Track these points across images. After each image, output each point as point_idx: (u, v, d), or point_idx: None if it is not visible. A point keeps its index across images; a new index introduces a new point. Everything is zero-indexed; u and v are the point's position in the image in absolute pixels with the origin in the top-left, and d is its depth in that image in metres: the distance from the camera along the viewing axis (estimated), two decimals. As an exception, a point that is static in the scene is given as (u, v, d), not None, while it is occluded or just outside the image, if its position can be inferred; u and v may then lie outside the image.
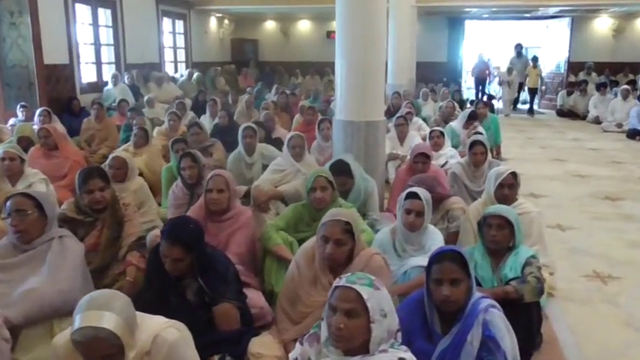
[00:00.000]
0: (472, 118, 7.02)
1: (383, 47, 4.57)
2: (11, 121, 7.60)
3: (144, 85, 11.15)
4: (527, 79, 14.16)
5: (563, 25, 14.82)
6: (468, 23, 16.92)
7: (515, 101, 15.04)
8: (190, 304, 2.53)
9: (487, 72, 15.13)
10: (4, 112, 7.86)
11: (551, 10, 14.22)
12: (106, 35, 10.60)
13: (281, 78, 16.53)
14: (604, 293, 3.68)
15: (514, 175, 3.47)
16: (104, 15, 10.48)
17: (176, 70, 13.51)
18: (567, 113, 13.31)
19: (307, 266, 2.67)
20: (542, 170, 7.39)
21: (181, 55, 13.93)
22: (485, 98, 13.18)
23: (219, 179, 3.30)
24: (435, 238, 3.11)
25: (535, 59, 14.53)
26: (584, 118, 12.65)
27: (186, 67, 13.78)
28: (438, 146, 5.83)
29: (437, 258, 2.17)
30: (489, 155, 6.97)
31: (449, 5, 13.28)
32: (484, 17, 16.65)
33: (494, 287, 2.73)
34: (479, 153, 4.72)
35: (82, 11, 9.78)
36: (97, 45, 10.19)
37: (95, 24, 10.07)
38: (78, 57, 9.50)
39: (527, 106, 14.41)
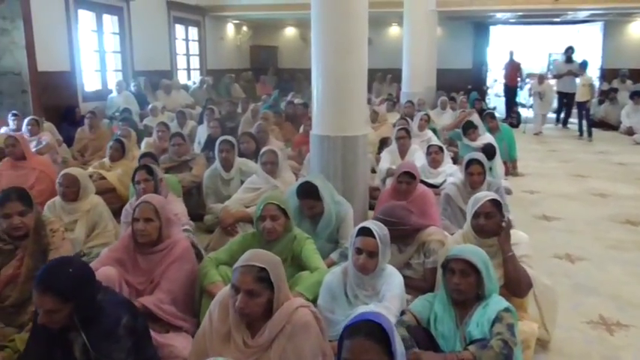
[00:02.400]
0: (470, 127, 6.59)
1: (362, 55, 4.10)
2: (2, 130, 7.38)
3: (152, 93, 10.89)
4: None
5: (595, 29, 14.06)
6: (494, 29, 16.24)
7: (565, 118, 12.56)
8: (77, 362, 2.11)
9: (518, 76, 13.58)
10: (-4, 120, 7.65)
11: (582, 14, 13.45)
12: (113, 42, 10.38)
13: (300, 85, 16.17)
14: (607, 346, 3.10)
15: (494, 202, 2.92)
16: (110, 21, 10.26)
17: (189, 78, 13.25)
18: (598, 124, 12.48)
19: (221, 320, 2.21)
20: (559, 187, 6.75)
21: (195, 62, 13.65)
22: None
23: (147, 207, 2.87)
24: (392, 282, 2.61)
25: (584, 65, 11.56)
26: (616, 128, 11.85)
27: (201, 75, 13.52)
28: (436, 163, 5.30)
29: (349, 331, 1.69)
30: (501, 171, 6.55)
31: (471, 10, 12.61)
32: (511, 22, 15.92)
33: (445, 355, 2.21)
34: (475, 173, 4.19)
35: (86, 18, 9.58)
36: (102, 52, 9.96)
37: (100, 30, 9.84)
38: (80, 64, 9.27)
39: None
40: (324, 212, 3.60)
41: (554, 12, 12.98)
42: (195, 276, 2.97)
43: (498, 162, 6.42)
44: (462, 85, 14.59)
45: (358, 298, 2.62)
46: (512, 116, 12.85)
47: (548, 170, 7.81)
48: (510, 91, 13.56)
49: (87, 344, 2.05)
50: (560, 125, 12.62)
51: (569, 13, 13.13)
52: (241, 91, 13.90)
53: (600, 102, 12.77)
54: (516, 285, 2.75)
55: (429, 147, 5.37)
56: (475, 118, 7.07)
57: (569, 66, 11.71)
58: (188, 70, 13.31)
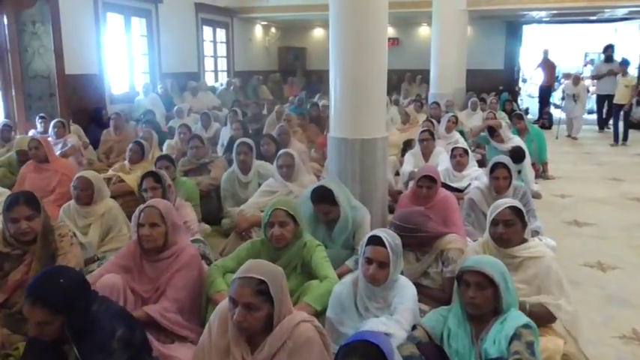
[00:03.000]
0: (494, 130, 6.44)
1: (381, 55, 3.95)
2: (31, 132, 7.48)
3: (178, 95, 10.93)
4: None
5: (634, 27, 13.53)
6: (527, 28, 15.81)
7: (605, 120, 11.81)
8: (73, 374, 2.03)
9: (553, 76, 13.19)
10: (25, 123, 7.75)
11: (620, 12, 12.95)
12: (141, 44, 10.45)
13: (328, 87, 16.03)
14: (641, 364, 2.90)
15: (514, 210, 2.74)
16: (139, 24, 10.34)
17: (217, 80, 13.28)
18: (636, 125, 12.01)
19: (220, 333, 2.11)
20: (592, 192, 6.46)
21: (223, 64, 13.68)
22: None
23: (152, 211, 2.79)
24: (404, 294, 2.46)
25: (626, 64, 10.57)
26: (656, 130, 11.39)
27: (228, 76, 13.54)
28: (461, 166, 5.11)
29: (344, 352, 1.57)
30: (531, 174, 6.29)
31: (503, 9, 12.28)
32: (545, 21, 15.46)
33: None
34: (501, 177, 4.01)
35: (115, 20, 9.67)
36: (130, 54, 10.03)
37: (128, 33, 9.92)
38: (108, 67, 9.36)
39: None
40: (340, 217, 3.48)
41: (590, 10, 12.52)
42: (202, 284, 2.87)
43: (528, 165, 6.19)
44: (493, 86, 14.24)
45: (369, 310, 2.48)
46: (545, 117, 12.47)
47: (581, 173, 7.50)
48: (544, 92, 13.16)
49: (79, 358, 1.97)
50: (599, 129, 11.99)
51: (607, 10, 12.66)
52: (269, 93, 13.87)
53: (639, 102, 12.28)
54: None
55: (453, 149, 5.19)
56: (501, 121, 6.83)
57: (610, 65, 11.07)
58: (216, 71, 13.33)
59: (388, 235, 2.45)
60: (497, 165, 4.00)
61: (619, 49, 14.61)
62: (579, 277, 3.97)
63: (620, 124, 10.21)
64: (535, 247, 2.76)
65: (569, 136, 10.96)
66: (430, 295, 3.10)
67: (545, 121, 12.43)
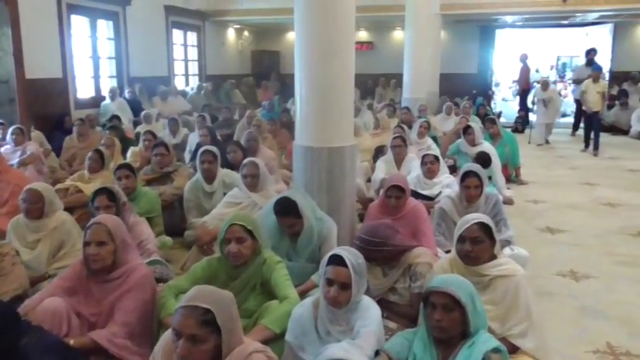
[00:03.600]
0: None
1: (348, 60, 3.79)
2: (-13, 140, 7.17)
3: (147, 100, 10.66)
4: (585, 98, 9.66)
5: (605, 32, 13.67)
6: (500, 32, 15.85)
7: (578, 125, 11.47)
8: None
9: (529, 81, 13.05)
10: (-17, 130, 7.43)
11: (591, 16, 13.06)
12: (108, 48, 10.16)
13: (302, 91, 15.88)
14: (614, 382, 2.78)
15: (482, 226, 2.60)
16: (106, 27, 10.05)
17: (187, 84, 13.03)
18: (608, 128, 12.10)
19: (164, 365, 1.92)
20: (565, 197, 6.40)
21: (194, 68, 13.42)
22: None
23: (99, 229, 2.59)
24: (368, 317, 2.30)
25: (598, 69, 10.24)
26: (627, 133, 11.47)
27: (200, 80, 13.30)
28: (432, 173, 4.98)
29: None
30: (502, 180, 6.19)
31: (476, 13, 12.29)
32: (517, 25, 15.53)
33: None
34: (472, 186, 3.88)
35: (80, 23, 9.37)
36: (96, 58, 9.74)
37: (94, 36, 9.62)
38: (73, 71, 9.07)
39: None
40: (304, 230, 3.32)
41: (562, 14, 12.61)
42: (155, 307, 2.68)
43: (498, 171, 6.13)
44: (467, 89, 14.24)
45: (330, 334, 2.32)
46: (518, 122, 12.48)
47: (554, 178, 7.46)
48: (524, 96, 13.07)
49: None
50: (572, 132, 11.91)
51: (578, 15, 12.75)
52: (242, 97, 13.66)
53: (610, 106, 12.38)
54: None
55: (424, 156, 5.06)
56: (475, 126, 6.74)
57: (591, 70, 10.52)
58: (187, 75, 13.07)
59: (350, 254, 2.29)
60: (468, 174, 3.88)
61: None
62: (552, 287, 3.87)
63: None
64: (505, 264, 2.62)
65: (541, 144, 10.56)
66: (397, 312, 2.96)
67: (518, 125, 12.44)
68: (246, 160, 4.30)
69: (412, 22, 10.09)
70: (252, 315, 2.67)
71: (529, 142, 10.46)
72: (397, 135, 5.89)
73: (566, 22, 14.32)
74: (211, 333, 1.79)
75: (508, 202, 6.04)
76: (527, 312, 2.52)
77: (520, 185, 6.92)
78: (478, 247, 2.56)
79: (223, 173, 4.78)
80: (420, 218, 3.80)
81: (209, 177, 4.70)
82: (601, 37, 13.81)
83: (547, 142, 10.76)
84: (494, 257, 2.65)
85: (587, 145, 9.71)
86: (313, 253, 3.40)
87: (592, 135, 9.63)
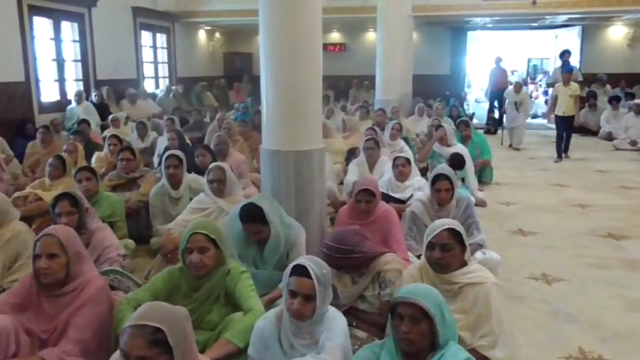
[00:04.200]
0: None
1: (315, 61, 3.69)
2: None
3: (115, 103, 10.42)
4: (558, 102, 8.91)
5: (573, 34, 13.88)
6: (472, 34, 15.99)
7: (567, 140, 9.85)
8: None
9: (506, 81, 12.96)
10: (-60, 137, 7.16)
11: (560, 19, 13.24)
12: (73, 50, 9.89)
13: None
14: (587, 389, 2.73)
15: (452, 232, 2.52)
16: (70, 29, 9.78)
17: (157, 86, 12.79)
18: (578, 129, 12.24)
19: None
20: (537, 198, 6.41)
21: (164, 70, 13.19)
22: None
23: (50, 241, 2.45)
24: (333, 329, 2.20)
25: (569, 70, 9.58)
26: (596, 134, 11.61)
27: (170, 83, 13.07)
28: (403, 176, 4.92)
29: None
30: (474, 182, 6.16)
31: (447, 15, 12.33)
32: (488, 27, 15.68)
33: None
34: (443, 189, 3.82)
35: (43, 25, 9.10)
36: (60, 61, 9.47)
37: (58, 38, 9.35)
38: (36, 74, 8.79)
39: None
40: (271, 237, 3.21)
41: (532, 17, 12.74)
42: (112, 321, 2.54)
43: (471, 172, 6.11)
44: (439, 91, 14.30)
45: (294, 347, 2.22)
46: (489, 123, 12.55)
47: (525, 179, 7.48)
48: (493, 96, 13.03)
49: None
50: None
51: (548, 17, 12.90)
52: (214, 100, 13.48)
53: (580, 107, 12.53)
54: None
55: (395, 159, 5.00)
56: (448, 127, 6.70)
57: (561, 72, 10.08)
58: (156, 78, 12.82)
59: (314, 264, 2.19)
60: (438, 177, 3.81)
61: (558, 56, 14.90)
62: (524, 290, 3.83)
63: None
64: (475, 272, 2.55)
65: (510, 146, 10.29)
66: (367, 320, 2.88)
67: (490, 126, 12.51)
68: (212, 165, 4.17)
69: (383, 24, 10.07)
70: (216, 327, 2.56)
71: (501, 144, 10.41)
72: (370, 137, 5.82)
73: (535, 24, 14.49)
74: (162, 353, 1.67)
75: (481, 203, 6.02)
76: (498, 321, 2.45)
77: (491, 187, 6.89)
78: (448, 254, 2.48)
79: (190, 178, 4.64)
80: (390, 222, 3.72)
81: (175, 182, 4.55)
82: (570, 40, 14.00)
83: (517, 148, 10.12)
84: (464, 264, 2.58)
85: (559, 156, 8.93)
86: (281, 260, 3.29)
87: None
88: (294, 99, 3.63)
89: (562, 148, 8.97)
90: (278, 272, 3.29)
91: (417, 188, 4.79)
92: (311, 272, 2.15)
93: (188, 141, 7.30)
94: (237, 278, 2.65)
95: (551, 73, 12.13)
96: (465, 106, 16.34)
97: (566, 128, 8.96)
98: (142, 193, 4.86)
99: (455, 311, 2.50)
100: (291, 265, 2.22)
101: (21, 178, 6.73)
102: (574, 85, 8.87)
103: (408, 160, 4.96)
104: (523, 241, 4.93)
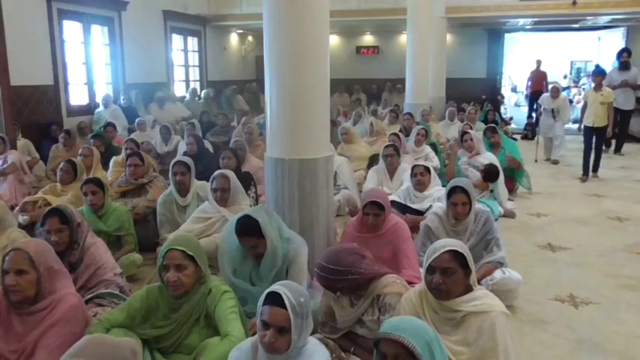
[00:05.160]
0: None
1: (321, 64, 3.48)
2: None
3: (143, 107, 10.43)
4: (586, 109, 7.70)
5: (618, 36, 13.21)
6: (513, 36, 15.47)
7: (614, 137, 9.14)
8: None
9: (543, 83, 12.58)
10: (-33, 139, 7.23)
11: (603, 20, 12.62)
12: (104, 54, 9.95)
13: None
14: None
15: (455, 255, 2.26)
16: (100, 33, 9.84)
17: (188, 90, 12.79)
18: (619, 136, 11.66)
19: None
20: (570, 210, 6.01)
21: (195, 74, 13.19)
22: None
23: (19, 256, 2.30)
24: (313, 364, 1.98)
25: (600, 72, 7.87)
26: (640, 140, 10.99)
27: (201, 86, 13.07)
28: (422, 185, 4.65)
29: None
30: (504, 192, 5.79)
31: (482, 16, 11.90)
32: (526, 29, 15.12)
33: None
34: (460, 203, 3.54)
35: (74, 29, 9.16)
36: (90, 64, 9.52)
37: (87, 42, 9.40)
38: (65, 77, 8.86)
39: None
40: (267, 252, 3.01)
41: (572, 17, 12.18)
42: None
43: (501, 182, 5.77)
44: (475, 95, 13.88)
45: (271, 382, 2.00)
46: (527, 129, 12.05)
47: (560, 188, 7.05)
48: (532, 99, 12.61)
49: None
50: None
51: (589, 18, 12.32)
52: (244, 103, 13.40)
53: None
54: None
55: (413, 167, 4.73)
56: (475, 135, 6.35)
57: (624, 75, 9.36)
58: (187, 81, 12.82)
59: (291, 292, 1.96)
60: (454, 189, 3.53)
61: (602, 58, 14.28)
62: (548, 314, 3.50)
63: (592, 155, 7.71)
64: (481, 298, 2.27)
65: (548, 159, 9.07)
66: (366, 347, 2.64)
67: (528, 132, 12.03)
68: (215, 173, 4.00)
69: (414, 26, 9.77)
70: (193, 352, 2.37)
71: (535, 161, 8.88)
72: (389, 144, 5.56)
73: (577, 25, 13.88)
74: None
75: (509, 215, 5.69)
76: (505, 356, 2.17)
77: (521, 198, 6.49)
78: (449, 278, 2.22)
79: (197, 185, 4.49)
80: (400, 237, 3.47)
81: (182, 190, 4.41)
82: (613, 42, 13.36)
83: (554, 161, 8.95)
84: (469, 289, 2.31)
85: (585, 173, 7.59)
86: (279, 277, 3.08)
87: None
88: (299, 105, 3.43)
89: (590, 164, 7.63)
90: (276, 289, 3.10)
91: (437, 199, 4.51)
92: (286, 301, 1.92)
93: (209, 146, 7.20)
94: (217, 299, 2.46)
95: (607, 78, 11.08)
96: (503, 110, 15.87)
97: (597, 141, 7.66)
98: (150, 199, 4.75)
99: (457, 343, 2.25)
100: (266, 292, 2.00)
101: (45, 180, 6.75)
102: (607, 91, 7.57)
103: (427, 169, 4.69)
104: (551, 257, 4.58)
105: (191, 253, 2.41)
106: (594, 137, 7.60)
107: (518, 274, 3.54)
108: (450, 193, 3.56)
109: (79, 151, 5.70)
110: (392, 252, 3.49)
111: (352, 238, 3.53)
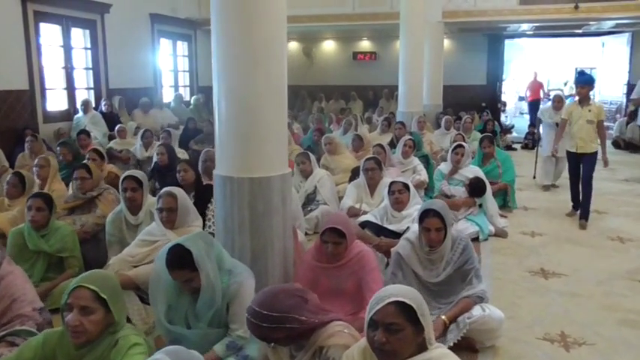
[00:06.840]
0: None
1: (276, 69, 3.06)
2: None
3: (126, 113, 10.04)
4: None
5: (622, 41, 12.76)
6: (517, 42, 15.05)
7: None
8: None
9: (539, 93, 12.79)
10: None
11: (607, 25, 12.16)
12: (84, 58, 9.57)
13: (303, 103, 15.21)
14: None
15: (403, 308, 1.81)
16: (82, 36, 9.46)
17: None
18: (625, 146, 11.22)
19: None
20: (568, 228, 5.55)
21: (185, 79, 12.81)
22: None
23: None
24: None
25: (586, 82, 5.78)
26: (644, 151, 10.47)
27: (191, 92, 12.69)
28: (400, 204, 4.21)
29: None
30: (494, 208, 5.33)
31: (481, 21, 11.46)
32: (527, 34, 14.68)
33: None
34: (433, 229, 3.10)
35: (52, 32, 8.79)
36: (70, 69, 9.13)
37: (67, 46, 9.02)
38: (42, 82, 8.48)
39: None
40: (203, 287, 2.58)
41: (575, 22, 11.74)
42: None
43: (490, 197, 5.35)
44: (475, 102, 13.45)
45: None
46: (528, 138, 11.60)
47: (558, 204, 6.57)
48: (532, 108, 12.42)
49: None
50: None
51: (592, 23, 11.87)
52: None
53: (628, 122, 11.47)
54: None
55: (391, 184, 4.28)
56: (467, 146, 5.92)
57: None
58: (176, 87, 12.43)
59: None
60: (427, 212, 3.10)
61: (605, 65, 13.85)
62: (533, 356, 3.06)
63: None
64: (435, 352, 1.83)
65: (553, 185, 7.54)
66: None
67: (528, 141, 11.58)
68: (162, 191, 3.57)
69: (408, 31, 9.37)
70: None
71: (534, 177, 7.95)
72: (370, 156, 5.13)
73: (580, 31, 13.43)
74: None
75: (501, 234, 5.26)
76: None
77: (514, 215, 6.03)
78: (394, 337, 1.78)
79: (151, 202, 4.04)
80: (365, 267, 3.05)
81: (133, 207, 3.97)
82: (618, 48, 12.92)
83: (554, 185, 7.55)
84: (424, 347, 1.87)
85: (575, 207, 6.02)
86: (218, 315, 2.67)
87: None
88: (250, 116, 3.01)
89: (577, 195, 5.91)
90: (215, 330, 2.69)
91: (414, 219, 4.06)
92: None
93: (183, 155, 6.78)
94: (123, 353, 2.02)
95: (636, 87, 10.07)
96: (504, 118, 15.43)
97: (584, 173, 5.70)
98: (100, 215, 4.33)
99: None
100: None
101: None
102: (596, 106, 5.72)
103: (406, 186, 4.24)
104: (544, 285, 4.12)
105: (104, 296, 1.99)
106: (580, 167, 5.76)
107: (500, 311, 3.09)
108: (422, 217, 3.12)
109: (35, 161, 5.27)
110: (356, 284, 3.07)
111: (310, 268, 3.11)
